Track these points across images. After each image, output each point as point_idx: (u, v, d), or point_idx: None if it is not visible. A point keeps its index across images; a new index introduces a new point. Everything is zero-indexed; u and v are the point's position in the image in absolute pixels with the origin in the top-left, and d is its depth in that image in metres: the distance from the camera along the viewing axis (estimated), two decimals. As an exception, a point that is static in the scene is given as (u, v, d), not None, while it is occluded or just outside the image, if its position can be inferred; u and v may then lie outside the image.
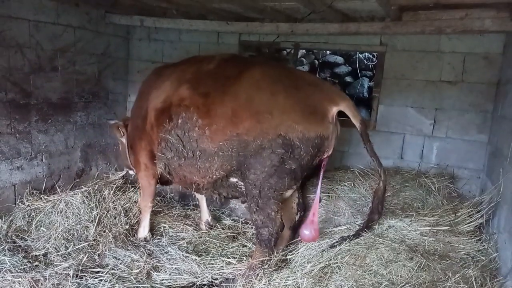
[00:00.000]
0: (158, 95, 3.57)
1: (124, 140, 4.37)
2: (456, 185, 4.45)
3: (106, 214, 4.09)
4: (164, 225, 4.33)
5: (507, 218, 3.13)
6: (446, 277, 2.89)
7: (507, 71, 3.99)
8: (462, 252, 3.23)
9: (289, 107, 3.04)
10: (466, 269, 2.99)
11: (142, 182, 4.01)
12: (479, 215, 3.57)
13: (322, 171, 3.31)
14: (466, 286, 2.70)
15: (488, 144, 4.37)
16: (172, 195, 5.25)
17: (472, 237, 3.42)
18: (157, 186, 4.17)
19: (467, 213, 3.63)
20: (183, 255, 3.74)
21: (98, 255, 3.58)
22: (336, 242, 3.37)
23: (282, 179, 3.10)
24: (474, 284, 2.75)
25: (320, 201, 3.38)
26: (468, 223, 3.54)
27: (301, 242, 3.58)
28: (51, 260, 3.45)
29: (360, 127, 3.20)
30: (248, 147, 3.08)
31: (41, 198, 4.29)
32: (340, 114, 3.30)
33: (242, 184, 3.32)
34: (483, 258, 3.17)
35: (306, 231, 3.27)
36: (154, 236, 4.11)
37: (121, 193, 4.49)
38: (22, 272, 3.15)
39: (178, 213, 4.68)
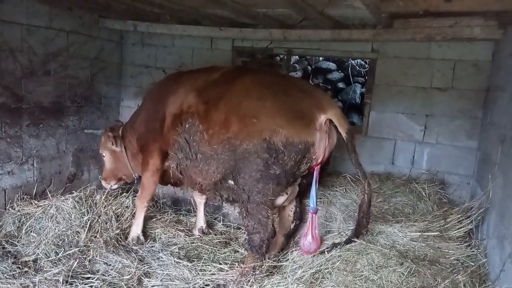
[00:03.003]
0: (174, 101, 3.75)
1: (117, 148, 4.41)
2: (447, 191, 4.50)
3: (98, 219, 4.06)
4: (156, 230, 4.31)
5: (496, 224, 3.17)
6: (436, 283, 2.91)
7: (495, 78, 4.05)
8: (452, 258, 3.26)
9: (275, 112, 3.08)
10: (456, 274, 3.01)
11: (145, 181, 4.10)
12: (469, 221, 3.60)
13: (314, 180, 3.26)
14: (456, 292, 2.72)
15: (477, 150, 4.42)
16: (165, 200, 5.24)
17: (462, 243, 3.45)
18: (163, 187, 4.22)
19: (456, 219, 3.66)
20: (174, 260, 3.72)
21: (89, 261, 3.55)
22: (327, 248, 3.39)
23: (268, 185, 3.09)
24: (463, 289, 2.77)
25: (316, 212, 3.33)
26: (458, 229, 3.57)
27: (301, 253, 3.54)
28: (41, 266, 3.42)
29: (346, 137, 3.17)
30: (237, 151, 3.15)
31: (31, 203, 4.24)
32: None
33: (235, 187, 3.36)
34: (472, 263, 3.20)
35: (310, 245, 3.30)
36: (147, 241, 4.10)
37: (112, 198, 4.46)
38: (11, 278, 3.12)
39: (170, 219, 4.67)
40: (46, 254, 3.54)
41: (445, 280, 2.90)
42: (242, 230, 4.46)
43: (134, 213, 4.18)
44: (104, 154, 4.58)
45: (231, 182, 3.42)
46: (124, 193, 4.63)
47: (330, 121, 3.16)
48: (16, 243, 3.72)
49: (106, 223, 4.09)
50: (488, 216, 3.45)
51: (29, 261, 3.48)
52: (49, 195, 4.47)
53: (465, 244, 3.45)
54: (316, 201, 3.30)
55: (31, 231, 3.84)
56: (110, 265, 3.54)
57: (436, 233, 3.49)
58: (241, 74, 3.53)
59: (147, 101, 4.27)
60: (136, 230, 4.09)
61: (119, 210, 4.36)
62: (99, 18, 5.26)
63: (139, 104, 4.65)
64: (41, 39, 4.48)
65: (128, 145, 4.47)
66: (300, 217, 3.89)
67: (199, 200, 4.50)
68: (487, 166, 3.80)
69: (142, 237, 4.08)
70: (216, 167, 3.34)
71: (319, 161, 3.21)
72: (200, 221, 4.48)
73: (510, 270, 2.62)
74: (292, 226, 3.85)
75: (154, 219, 4.54)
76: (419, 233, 3.45)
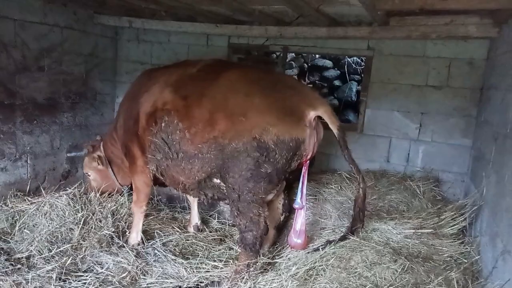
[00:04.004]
0: (148, 98, 3.56)
1: (103, 167, 4.30)
2: (441, 189, 4.52)
3: (92, 216, 4.05)
4: (151, 227, 4.29)
5: (489, 221, 3.19)
6: (429, 280, 2.92)
7: (490, 76, 4.07)
8: (445, 255, 3.27)
9: (264, 109, 3.00)
10: (449, 271, 3.02)
11: (138, 184, 3.90)
12: (462, 218, 3.63)
13: (303, 174, 3.26)
14: (448, 288, 2.73)
15: (472, 148, 4.45)
16: (160, 197, 5.22)
17: (455, 240, 3.47)
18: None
19: (450, 216, 3.68)
20: (170, 258, 3.71)
21: (83, 258, 3.53)
22: (321, 245, 3.38)
23: (259, 183, 3.04)
24: (456, 286, 2.78)
25: (301, 208, 3.31)
26: (451, 226, 3.59)
27: (290, 248, 3.56)
28: (34, 263, 3.39)
29: (337, 133, 3.15)
30: (225, 150, 3.05)
31: (25, 200, 4.22)
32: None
33: (224, 186, 3.32)
34: (466, 260, 3.22)
35: (297, 240, 3.30)
36: (148, 242, 3.93)
37: (107, 195, 4.45)
38: (3, 275, 3.08)
39: (166, 216, 4.65)
40: (39, 251, 3.51)
41: (438, 277, 2.92)
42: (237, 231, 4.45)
43: (132, 220, 3.98)
44: (89, 174, 4.41)
45: (216, 180, 3.37)
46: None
47: (318, 117, 3.13)
48: (9, 240, 3.69)
49: (100, 221, 4.06)
50: (481, 214, 3.47)
51: (22, 258, 3.44)
52: (43, 192, 4.45)
53: (458, 241, 3.47)
54: (303, 197, 3.27)
55: (24, 228, 3.81)
56: (104, 262, 3.51)
57: (430, 230, 3.50)
58: (224, 68, 3.37)
59: (124, 101, 4.06)
60: (136, 237, 3.88)
61: (114, 207, 4.34)
62: (94, 14, 5.22)
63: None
64: (34, 35, 4.45)
65: (111, 158, 4.31)
66: (289, 209, 3.88)
67: (193, 197, 4.48)
68: (481, 164, 3.82)
69: (142, 243, 3.90)
70: (201, 166, 3.22)
71: (308, 157, 3.19)
72: (195, 218, 4.45)
73: (502, 267, 2.64)
74: (282, 218, 3.83)
75: (151, 217, 4.49)
76: (413, 230, 3.47)
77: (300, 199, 3.27)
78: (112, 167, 4.35)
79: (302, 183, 3.27)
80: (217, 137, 3.07)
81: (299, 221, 3.31)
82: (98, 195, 4.27)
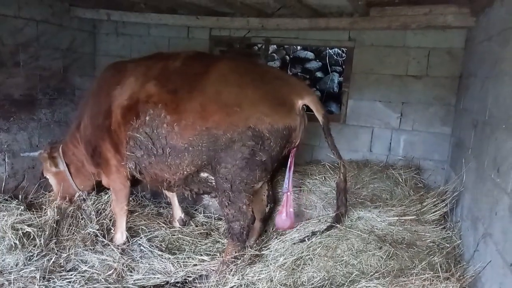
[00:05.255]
0: (122, 92, 3.48)
1: (59, 168, 4.16)
2: (422, 176, 4.62)
3: (76, 215, 3.98)
4: (136, 223, 4.24)
5: (469, 206, 3.28)
6: (413, 265, 2.99)
7: (468, 65, 4.16)
8: (428, 240, 3.35)
9: (257, 100, 3.09)
10: (432, 256, 3.10)
11: (114, 185, 3.80)
12: (444, 204, 3.71)
13: (291, 160, 3.40)
14: (432, 273, 2.79)
15: (451, 136, 4.55)
16: (144, 193, 5.15)
17: (438, 226, 3.56)
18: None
19: (432, 202, 3.76)
20: (156, 253, 3.68)
21: (67, 257, 3.47)
22: (307, 236, 3.44)
23: (253, 172, 3.13)
24: (439, 270, 2.85)
25: (290, 191, 3.43)
26: (433, 212, 3.68)
27: (277, 230, 3.71)
28: (16, 263, 3.32)
29: (322, 121, 3.30)
30: (218, 141, 3.09)
31: (6, 199, 4.12)
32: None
33: (213, 179, 3.32)
34: (448, 245, 3.30)
35: (284, 220, 3.42)
36: (133, 239, 3.88)
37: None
38: (-16, 277, 3.02)
39: (151, 212, 4.60)
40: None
41: (422, 262, 2.99)
42: (223, 220, 4.45)
43: (115, 220, 3.91)
44: (48, 177, 4.29)
45: (203, 175, 3.38)
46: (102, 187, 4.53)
47: (304, 106, 3.27)
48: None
49: (83, 220, 3.99)
50: (462, 199, 3.57)
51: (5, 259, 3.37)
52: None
53: (440, 226, 3.56)
54: (290, 182, 3.41)
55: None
56: (89, 260, 3.46)
57: (413, 217, 3.58)
58: (211, 61, 3.39)
59: (88, 99, 3.91)
60: (121, 237, 3.81)
61: (98, 205, 4.27)
62: (70, 7, 5.07)
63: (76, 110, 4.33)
64: (9, 29, 4.30)
65: (72, 160, 4.16)
66: (273, 200, 3.93)
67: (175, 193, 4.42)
68: (460, 151, 3.91)
69: (127, 241, 3.83)
70: (191, 160, 3.22)
71: (297, 143, 3.34)
72: (177, 211, 4.41)
73: (484, 249, 2.72)
74: (267, 209, 3.87)
75: (136, 213, 4.43)
76: (397, 218, 3.54)
77: (287, 185, 3.41)
78: (70, 170, 4.19)
79: (289, 168, 3.41)
80: (210, 128, 3.09)
81: (287, 204, 3.43)
82: (57, 200, 4.12)
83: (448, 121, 4.58)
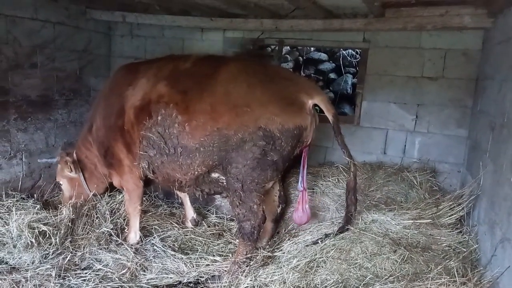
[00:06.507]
0: (135, 92, 3.53)
1: (75, 175, 4.18)
2: (438, 179, 4.55)
3: (91, 214, 4.03)
4: (150, 223, 4.28)
5: (487, 210, 3.22)
6: (429, 269, 2.95)
7: (485, 67, 4.09)
8: (444, 244, 3.30)
9: (266, 100, 3.12)
10: (448, 260, 3.06)
11: (127, 185, 3.84)
12: (460, 208, 3.65)
13: (303, 159, 3.44)
14: (448, 277, 2.75)
15: (467, 138, 4.47)
16: (157, 193, 5.19)
17: (453, 230, 3.50)
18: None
19: (448, 206, 3.71)
20: (169, 253, 3.70)
21: (82, 255, 3.51)
22: (320, 238, 3.44)
23: (265, 171, 3.15)
24: (456, 275, 2.81)
25: (305, 188, 3.47)
26: (449, 216, 3.62)
27: (290, 232, 3.80)
28: (32, 261, 3.37)
29: (332, 120, 3.31)
30: (229, 141, 3.11)
31: (23, 198, 4.19)
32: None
33: (224, 179, 3.34)
34: (464, 249, 3.25)
35: (301, 216, 3.46)
36: (146, 239, 3.90)
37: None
38: (2, 274, 3.07)
39: (164, 212, 4.63)
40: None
41: (438, 266, 2.95)
42: (235, 221, 4.45)
43: (129, 220, 3.93)
44: (61, 182, 4.31)
45: (214, 175, 3.40)
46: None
47: (314, 105, 3.29)
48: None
49: (97, 219, 4.04)
50: (479, 203, 3.50)
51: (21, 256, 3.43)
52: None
53: (456, 230, 3.50)
54: (304, 181, 3.45)
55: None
56: (103, 259, 3.50)
57: (428, 220, 3.53)
58: (221, 63, 3.43)
59: (100, 100, 3.96)
60: (135, 237, 3.84)
61: (113, 205, 4.32)
62: (86, 9, 5.15)
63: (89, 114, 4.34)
64: (26, 31, 4.38)
65: (85, 163, 4.21)
66: (285, 200, 3.93)
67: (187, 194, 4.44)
68: (477, 154, 3.84)
69: (141, 241, 3.85)
70: (202, 160, 3.24)
71: (308, 143, 3.36)
72: (189, 211, 4.43)
73: (502, 254, 2.66)
74: (278, 210, 3.87)
75: (150, 213, 4.47)
76: (412, 221, 3.50)
77: (301, 183, 3.46)
78: (84, 174, 4.23)
79: (303, 167, 3.45)
80: (221, 129, 3.12)
81: (302, 200, 3.47)
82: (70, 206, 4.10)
83: (464, 123, 4.51)
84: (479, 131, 3.94)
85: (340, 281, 2.94)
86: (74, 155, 4.22)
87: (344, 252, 3.17)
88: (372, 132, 4.94)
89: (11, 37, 4.21)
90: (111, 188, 4.40)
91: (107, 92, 3.89)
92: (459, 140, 4.56)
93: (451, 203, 3.72)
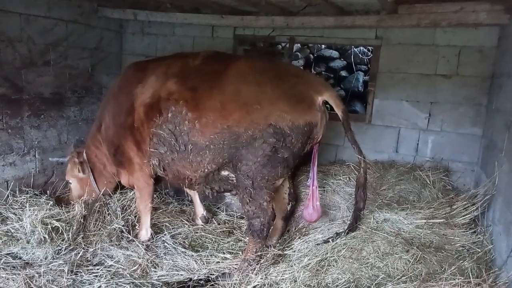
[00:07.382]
0: (144, 90, 3.53)
1: (84, 175, 4.20)
2: (451, 178, 4.48)
3: (102, 210, 4.06)
4: (160, 220, 4.30)
5: (502, 210, 3.15)
6: (442, 269, 2.91)
7: (501, 64, 4.00)
8: (458, 244, 3.25)
9: (276, 97, 3.11)
10: (462, 261, 3.01)
11: (138, 183, 3.85)
12: (474, 208, 3.58)
13: (314, 155, 3.44)
14: (462, 278, 2.71)
15: (482, 137, 4.39)
16: (167, 190, 5.21)
17: (467, 230, 3.45)
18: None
19: (462, 205, 3.64)
20: (179, 250, 3.71)
21: (94, 252, 3.54)
22: (330, 237, 3.42)
23: (275, 168, 3.15)
24: (470, 275, 2.76)
25: (315, 185, 3.46)
26: (463, 216, 3.56)
27: (300, 230, 3.79)
28: (46, 257, 3.41)
29: (342, 116, 3.30)
30: (240, 139, 3.11)
31: (36, 194, 4.24)
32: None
33: (234, 176, 3.34)
34: (479, 250, 3.19)
35: (311, 214, 3.44)
36: (157, 236, 3.92)
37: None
38: (16, 269, 3.11)
39: (174, 209, 4.65)
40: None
41: (451, 267, 2.90)
42: (245, 219, 4.45)
43: (140, 217, 3.95)
44: (71, 182, 4.34)
45: (224, 173, 3.40)
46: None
47: (325, 102, 3.28)
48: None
49: (109, 215, 4.07)
50: (494, 203, 3.44)
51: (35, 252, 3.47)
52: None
53: (470, 230, 3.44)
54: (314, 177, 3.44)
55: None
56: (115, 255, 3.53)
57: (442, 220, 3.48)
58: (230, 60, 3.42)
59: (109, 99, 3.97)
60: (146, 234, 3.84)
61: (124, 201, 4.35)
62: (98, 7, 5.18)
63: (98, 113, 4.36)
64: (40, 29, 4.43)
65: (95, 162, 4.22)
66: (295, 198, 3.91)
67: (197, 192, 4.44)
68: (492, 153, 3.77)
69: (152, 238, 3.86)
70: (212, 157, 3.25)
71: (318, 140, 3.36)
72: (199, 209, 4.44)
73: (517, 256, 2.61)
74: (288, 208, 3.85)
75: (160, 210, 4.48)
76: (425, 220, 3.45)
77: (313, 179, 3.46)
78: (93, 173, 4.25)
79: (313, 163, 3.45)
80: (231, 126, 3.12)
81: (313, 197, 3.45)
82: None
83: (479, 122, 4.43)
84: (494, 130, 3.87)
85: (351, 280, 2.92)
86: (84, 155, 4.24)
87: (356, 251, 3.15)
88: (384, 130, 4.88)
89: (25, 35, 4.26)
90: (121, 187, 4.43)
91: (116, 91, 3.90)
92: (474, 139, 4.48)
93: (465, 202, 3.66)
